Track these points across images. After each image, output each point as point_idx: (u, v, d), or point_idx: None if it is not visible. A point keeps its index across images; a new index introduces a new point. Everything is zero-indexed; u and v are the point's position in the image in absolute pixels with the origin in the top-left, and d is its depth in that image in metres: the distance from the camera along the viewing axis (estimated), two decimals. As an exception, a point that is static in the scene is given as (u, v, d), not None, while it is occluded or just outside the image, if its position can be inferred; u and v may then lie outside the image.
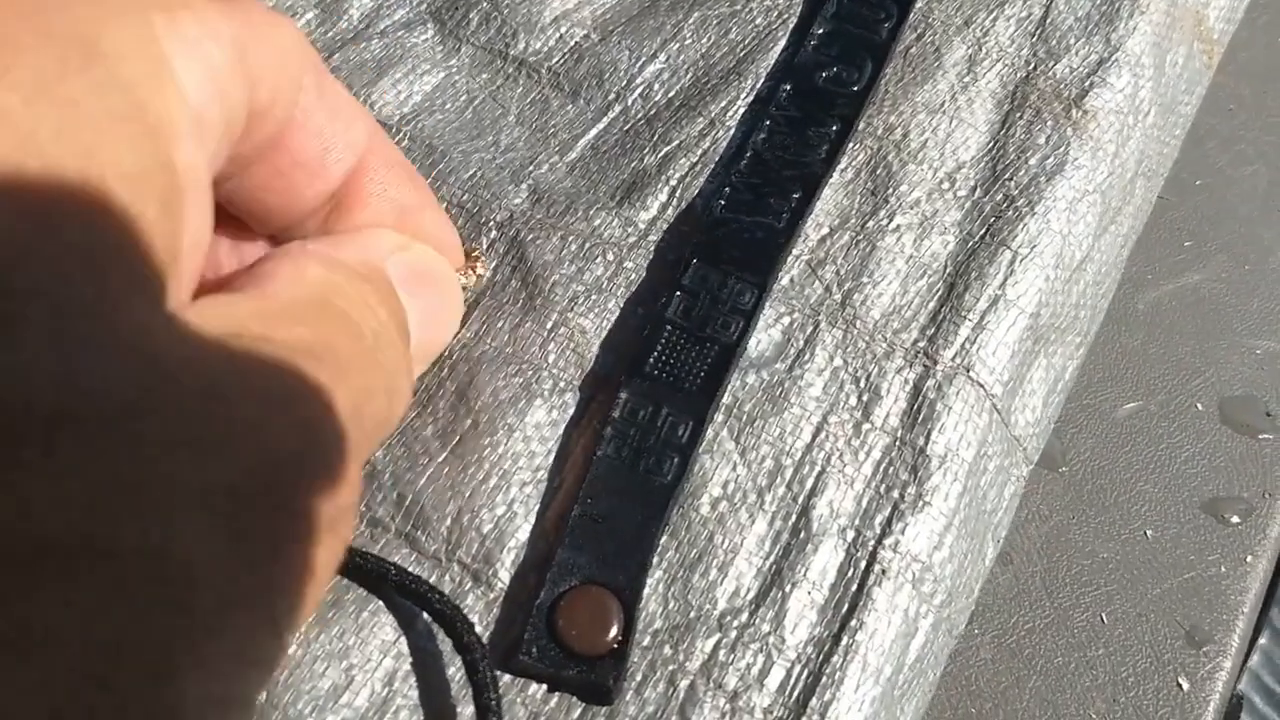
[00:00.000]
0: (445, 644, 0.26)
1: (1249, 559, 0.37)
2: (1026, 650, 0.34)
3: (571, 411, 0.30)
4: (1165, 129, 0.39)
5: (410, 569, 0.27)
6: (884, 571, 0.28)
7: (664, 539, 0.28)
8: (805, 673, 0.27)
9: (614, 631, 0.26)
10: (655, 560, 0.28)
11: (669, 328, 0.30)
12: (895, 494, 0.29)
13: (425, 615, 0.26)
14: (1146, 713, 0.33)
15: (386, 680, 0.26)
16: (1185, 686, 0.34)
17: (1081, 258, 0.34)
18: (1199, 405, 0.38)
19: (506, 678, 0.26)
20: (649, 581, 0.28)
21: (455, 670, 0.26)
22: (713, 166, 0.33)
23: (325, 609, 0.26)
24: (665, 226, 0.33)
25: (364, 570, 0.26)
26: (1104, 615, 0.35)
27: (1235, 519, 0.37)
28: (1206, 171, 0.43)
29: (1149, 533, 0.36)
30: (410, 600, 0.26)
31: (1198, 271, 0.41)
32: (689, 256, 0.31)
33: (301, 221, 0.24)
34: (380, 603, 0.27)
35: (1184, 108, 0.40)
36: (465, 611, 0.27)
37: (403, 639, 0.26)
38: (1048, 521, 0.36)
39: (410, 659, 0.26)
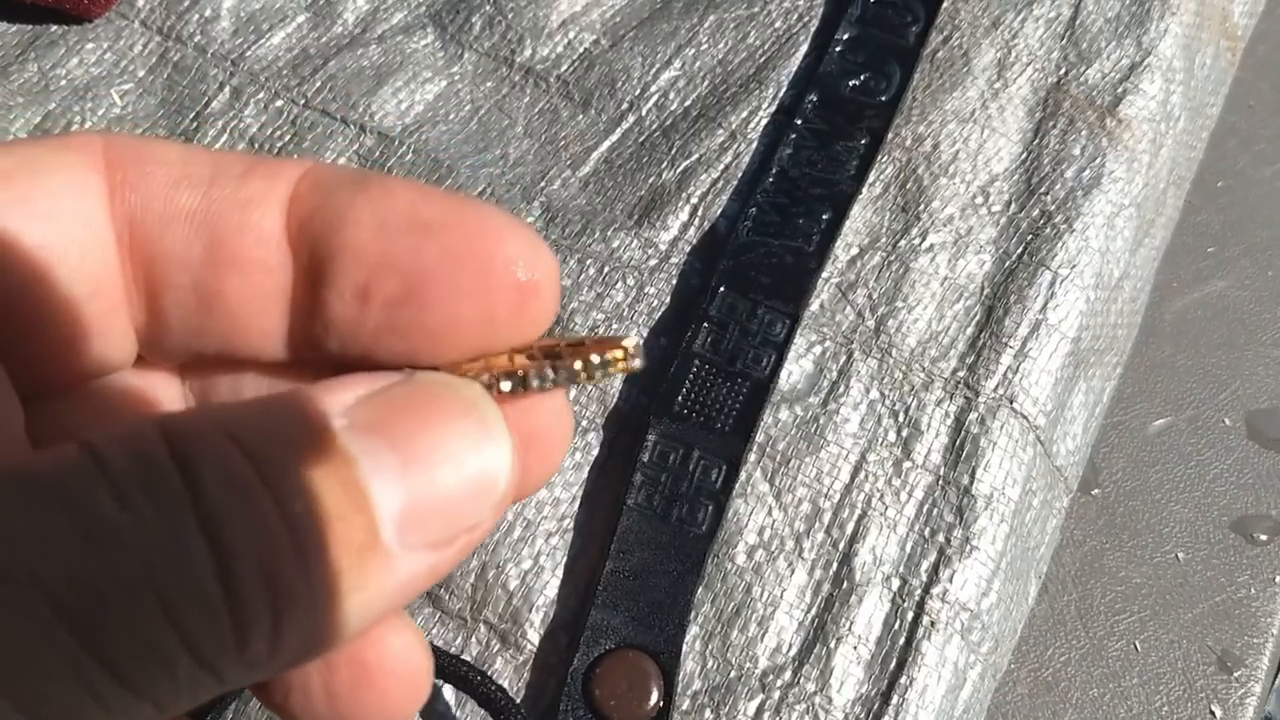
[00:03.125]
0: None
1: (1277, 579, 0.36)
2: (1063, 683, 0.33)
3: (595, 453, 0.28)
4: (1193, 133, 0.37)
5: (434, 630, 0.26)
6: (933, 623, 0.27)
7: (699, 591, 0.27)
8: (855, 736, 0.26)
9: (654, 699, 0.25)
10: (691, 615, 0.26)
11: (697, 362, 0.29)
12: (940, 538, 0.28)
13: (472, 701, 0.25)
14: (1184, 746, 0.33)
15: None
16: (1218, 714, 0.33)
17: (1119, 275, 0.33)
18: (1226, 420, 0.37)
19: (541, 750, 0.25)
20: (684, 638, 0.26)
21: (486, 743, 0.25)
22: (736, 183, 0.32)
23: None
24: (688, 249, 0.31)
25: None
26: (1138, 643, 0.34)
27: (1263, 537, 0.36)
28: (1228, 172, 0.42)
29: (1180, 555, 0.35)
30: (457, 687, 0.24)
31: (1222, 278, 0.40)
32: (715, 284, 0.29)
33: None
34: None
35: (1210, 109, 0.39)
36: (494, 675, 0.25)
37: None
38: (1082, 547, 0.34)
39: (439, 734, 0.25)
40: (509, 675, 0.26)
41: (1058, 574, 0.34)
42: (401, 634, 0.16)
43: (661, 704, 0.25)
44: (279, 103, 0.32)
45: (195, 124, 0.32)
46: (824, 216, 0.31)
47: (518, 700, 0.25)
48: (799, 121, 0.32)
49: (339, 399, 0.15)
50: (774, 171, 0.31)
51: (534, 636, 0.26)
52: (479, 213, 0.15)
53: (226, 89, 0.32)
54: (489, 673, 0.25)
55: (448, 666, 0.24)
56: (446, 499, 0.15)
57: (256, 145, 0.32)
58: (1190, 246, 0.40)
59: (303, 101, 0.32)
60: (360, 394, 0.15)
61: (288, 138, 0.32)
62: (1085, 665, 0.33)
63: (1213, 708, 0.33)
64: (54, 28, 0.33)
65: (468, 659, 0.25)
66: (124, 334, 0.16)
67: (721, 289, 0.29)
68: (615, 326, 0.30)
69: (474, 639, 0.26)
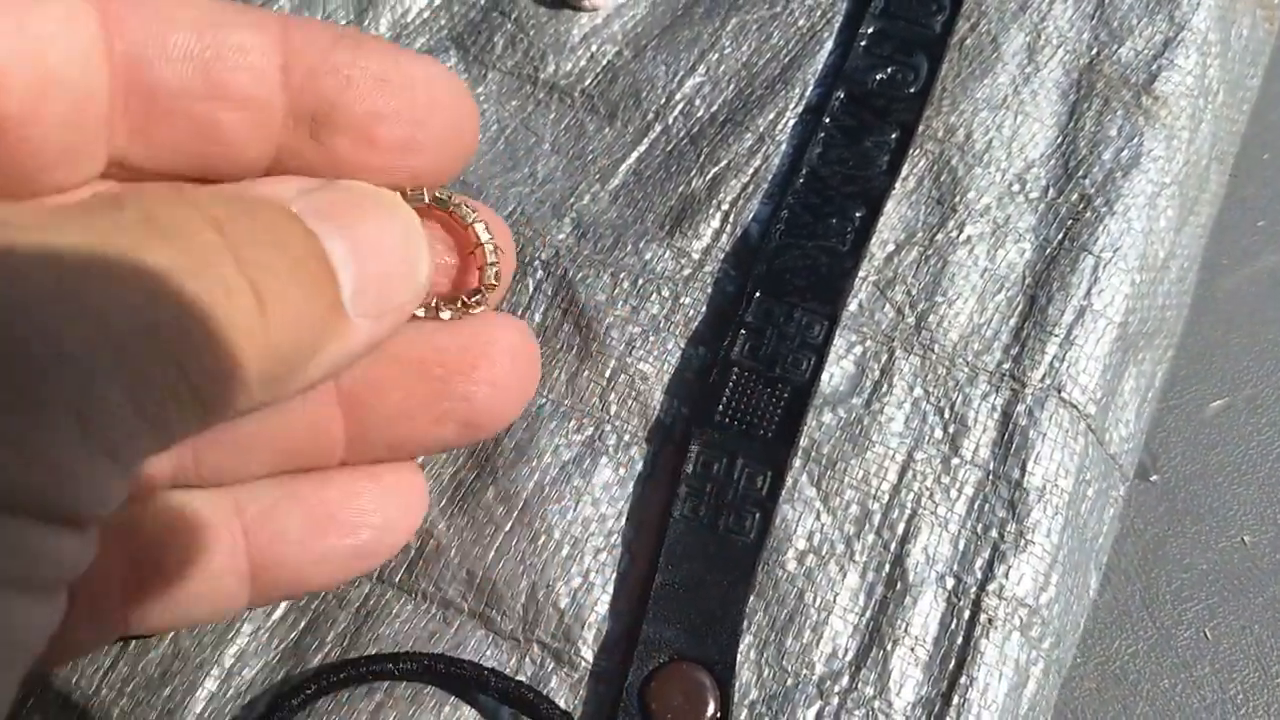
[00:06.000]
0: (531, 735, 0.25)
1: (1351, 556, 0.35)
2: (1132, 675, 0.32)
3: (640, 467, 0.28)
4: (1234, 106, 0.36)
5: (488, 652, 0.26)
6: (990, 620, 0.26)
7: (750, 600, 0.26)
8: (917, 740, 0.25)
9: (711, 710, 0.25)
10: (744, 624, 0.26)
11: (736, 369, 0.28)
12: (994, 534, 0.27)
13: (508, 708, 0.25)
14: (1262, 734, 0.32)
15: (471, 777, 0.25)
16: (1296, 699, 0.33)
17: (1165, 256, 0.32)
18: (1287, 397, 0.36)
19: (600, 768, 0.25)
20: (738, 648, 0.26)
21: (545, 764, 0.25)
22: (766, 187, 0.31)
23: (405, 705, 0.25)
24: (721, 256, 0.30)
25: (461, 679, 0.24)
26: (1207, 631, 0.33)
27: (1333, 515, 0.35)
28: (1273, 144, 0.41)
29: (1246, 538, 0.34)
30: (517, 709, 0.24)
31: (1273, 253, 0.39)
32: (750, 290, 0.29)
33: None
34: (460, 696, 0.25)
35: (1250, 81, 0.38)
36: (550, 694, 0.25)
37: (487, 736, 0.25)
38: (1143, 536, 0.34)
39: (497, 757, 0.25)
40: (564, 693, 0.25)
41: (1120, 564, 0.33)
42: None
43: (718, 715, 0.25)
44: (308, 135, 0.32)
45: (228, 162, 0.32)
46: (857, 214, 0.30)
47: (575, 718, 0.25)
48: (827, 120, 0.32)
49: (281, 192, 0.18)
50: (804, 172, 0.31)
51: (588, 653, 0.26)
52: (436, 68, 0.20)
53: (257, 125, 0.33)
54: (545, 692, 0.25)
55: (506, 689, 0.24)
56: (382, 279, 0.18)
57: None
58: (1238, 222, 0.39)
59: (331, 133, 0.32)
60: (298, 189, 0.18)
61: (319, 169, 0.32)
62: (1154, 656, 0.32)
63: (1290, 693, 0.33)
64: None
65: (523, 679, 0.25)
66: (98, 153, 0.19)
67: (757, 294, 0.29)
68: (652, 339, 0.29)
69: (528, 659, 0.26)
